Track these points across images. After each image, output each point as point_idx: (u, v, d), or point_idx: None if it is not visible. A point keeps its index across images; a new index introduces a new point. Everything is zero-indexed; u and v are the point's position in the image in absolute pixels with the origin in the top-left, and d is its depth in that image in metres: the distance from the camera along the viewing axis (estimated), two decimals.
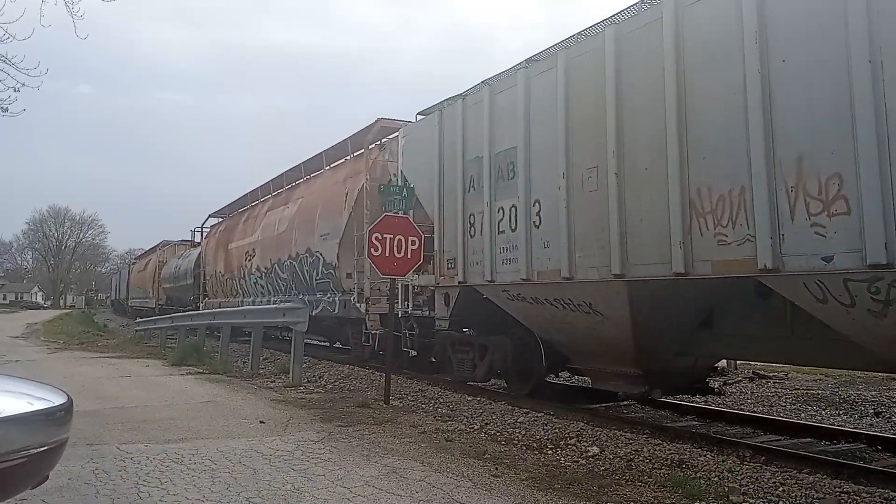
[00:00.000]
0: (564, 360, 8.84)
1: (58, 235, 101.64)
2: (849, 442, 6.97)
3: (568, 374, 10.60)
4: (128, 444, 6.23)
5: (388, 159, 13.30)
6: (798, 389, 10.74)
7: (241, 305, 18.77)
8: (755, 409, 9.10)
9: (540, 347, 8.87)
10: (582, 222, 7.42)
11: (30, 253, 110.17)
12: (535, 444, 6.56)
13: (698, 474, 5.42)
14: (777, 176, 5.47)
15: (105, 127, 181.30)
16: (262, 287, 18.86)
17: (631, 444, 6.46)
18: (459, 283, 9.57)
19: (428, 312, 10.97)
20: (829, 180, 5.11)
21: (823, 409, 9.06)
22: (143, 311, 35.99)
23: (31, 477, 2.66)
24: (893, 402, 9.52)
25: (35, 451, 2.54)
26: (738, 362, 12.06)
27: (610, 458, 5.97)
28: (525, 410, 8.22)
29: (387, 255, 9.03)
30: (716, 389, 8.76)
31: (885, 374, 10.29)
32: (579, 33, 8.11)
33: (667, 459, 5.84)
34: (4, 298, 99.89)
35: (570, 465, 5.80)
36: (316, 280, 15.21)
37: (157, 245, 38.63)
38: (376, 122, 13.60)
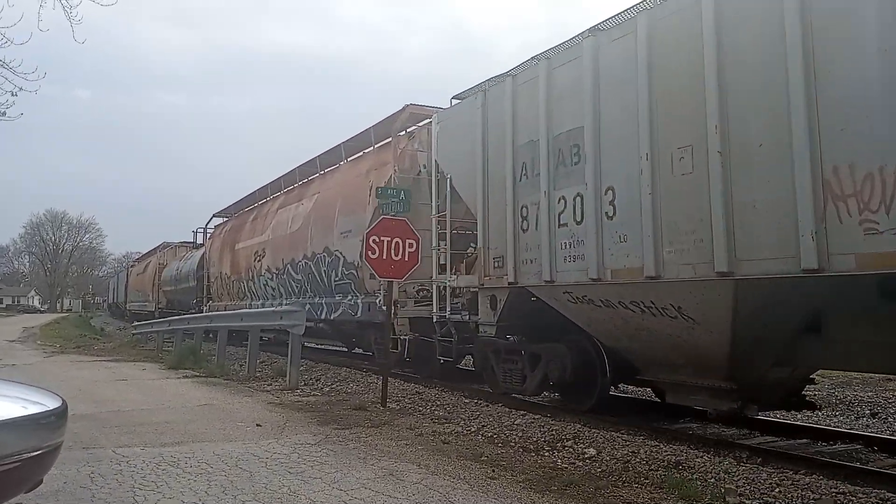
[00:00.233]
0: (632, 371, 7.78)
1: (55, 239, 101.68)
2: (845, 443, 6.97)
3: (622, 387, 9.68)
4: (124, 447, 6.22)
5: (417, 149, 12.38)
6: None
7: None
8: None
9: (603, 356, 7.92)
10: (672, 211, 6.34)
11: (27, 257, 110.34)
12: (531, 447, 6.55)
13: (695, 476, 5.42)
14: None
15: (103, 130, 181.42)
16: (273, 289, 17.90)
17: (628, 445, 6.46)
18: (509, 284, 8.54)
19: (468, 317, 9.87)
20: None
21: (820, 410, 9.07)
22: (142, 314, 35.14)
23: (25, 481, 2.66)
24: (889, 402, 9.53)
25: (29, 455, 2.53)
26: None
27: (607, 460, 5.97)
28: (522, 413, 8.22)
29: (384, 257, 9.04)
30: (815, 404, 7.57)
31: (881, 375, 10.31)
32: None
33: (664, 461, 5.84)
34: (1, 302, 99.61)
35: (566, 467, 5.80)
36: (335, 281, 14.25)
37: (158, 247, 37.85)
38: (405, 108, 12.59)
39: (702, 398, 6.80)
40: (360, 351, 16.17)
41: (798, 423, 8.10)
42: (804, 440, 7.16)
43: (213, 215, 26.57)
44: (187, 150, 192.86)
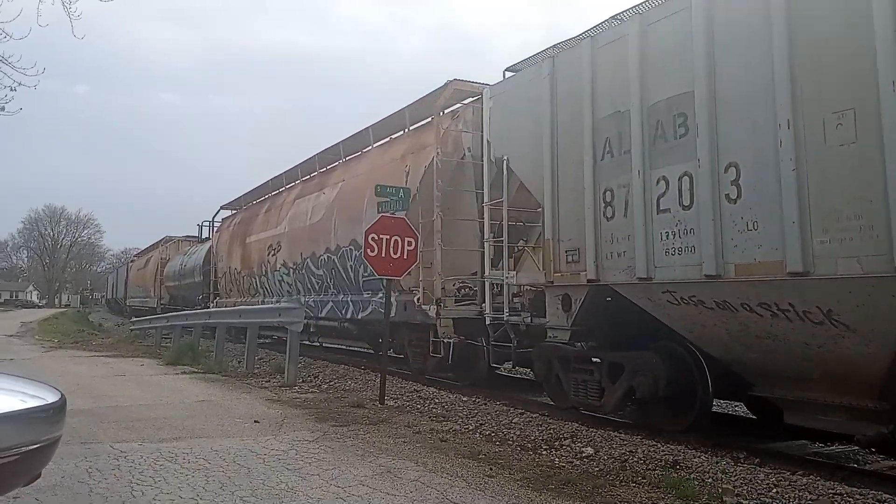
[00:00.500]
0: (741, 384, 6.72)
1: (53, 235, 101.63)
2: (842, 444, 6.97)
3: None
4: (122, 442, 6.22)
5: (461, 129, 11.17)
6: None
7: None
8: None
9: (703, 367, 6.81)
10: (826, 192, 5.17)
11: (25, 252, 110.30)
12: (529, 445, 6.56)
13: (692, 475, 5.42)
14: None
15: (102, 127, 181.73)
16: (290, 285, 16.58)
17: (625, 444, 6.46)
18: (588, 281, 7.38)
19: (530, 320, 8.66)
20: None
21: None
22: (142, 311, 33.60)
23: (23, 475, 2.66)
24: None
25: (27, 448, 2.54)
26: None
27: (604, 459, 5.97)
28: (520, 411, 8.22)
29: (383, 255, 9.04)
30: None
31: None
32: None
33: (661, 460, 5.85)
34: None
35: (564, 466, 5.80)
36: (363, 277, 12.86)
37: (160, 241, 36.91)
38: (448, 83, 11.22)
39: (837, 419, 5.72)
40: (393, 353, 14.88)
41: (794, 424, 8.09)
42: (802, 441, 7.16)
43: (221, 207, 25.13)
44: (186, 150, 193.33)
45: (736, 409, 8.79)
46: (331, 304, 14.15)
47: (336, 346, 16.05)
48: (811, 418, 6.01)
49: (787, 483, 5.23)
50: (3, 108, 11.46)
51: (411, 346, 12.01)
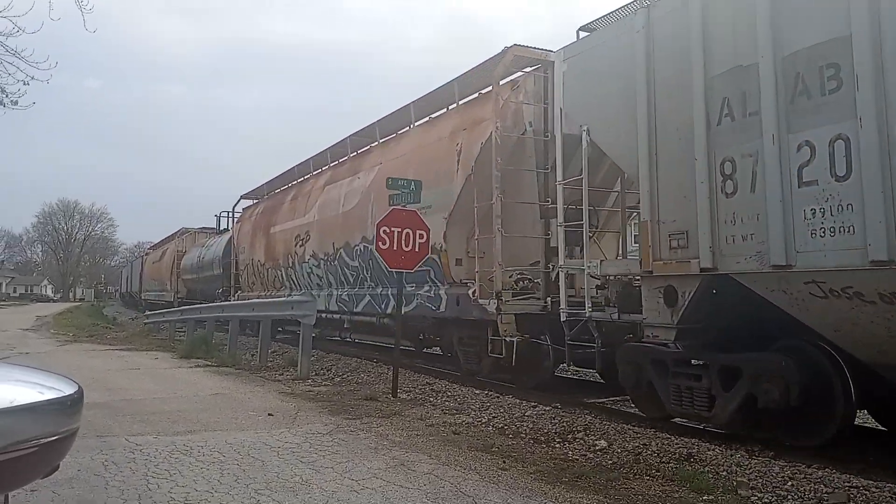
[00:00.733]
0: (891, 392, 5.83)
1: (67, 229, 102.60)
2: (858, 436, 6.92)
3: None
4: (137, 435, 6.27)
5: (521, 101, 10.06)
6: None
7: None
8: None
9: (844, 373, 5.75)
10: None
11: (39, 246, 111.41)
12: (542, 438, 6.55)
13: (706, 468, 5.41)
14: None
15: (115, 120, 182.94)
16: (321, 278, 15.66)
17: (639, 437, 6.45)
18: (702, 270, 6.27)
19: (617, 316, 7.58)
20: None
21: None
22: (158, 305, 32.38)
23: (42, 466, 2.67)
24: None
25: (46, 440, 2.55)
26: None
27: (618, 452, 5.96)
28: (532, 404, 8.21)
29: (395, 248, 9.05)
30: None
31: None
32: None
33: (675, 453, 5.83)
34: (15, 291, 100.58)
35: (577, 459, 5.80)
36: None
37: (176, 233, 35.66)
38: (507, 49, 9.99)
39: None
40: (438, 351, 13.41)
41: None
42: None
43: (241, 197, 24.07)
44: (197, 144, 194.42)
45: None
46: (368, 297, 13.25)
47: (372, 343, 14.71)
48: None
49: (802, 476, 5.19)
50: (16, 103, 11.55)
51: (462, 344, 10.89)
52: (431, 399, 8.90)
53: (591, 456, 5.91)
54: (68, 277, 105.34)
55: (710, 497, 4.72)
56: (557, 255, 8.86)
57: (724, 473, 5.28)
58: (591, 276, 8.03)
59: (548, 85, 9.85)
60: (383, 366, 12.00)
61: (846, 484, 5.02)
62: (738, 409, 6.30)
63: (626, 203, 9.05)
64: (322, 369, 12.14)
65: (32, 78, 11.07)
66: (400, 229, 9.09)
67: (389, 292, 12.09)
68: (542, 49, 9.88)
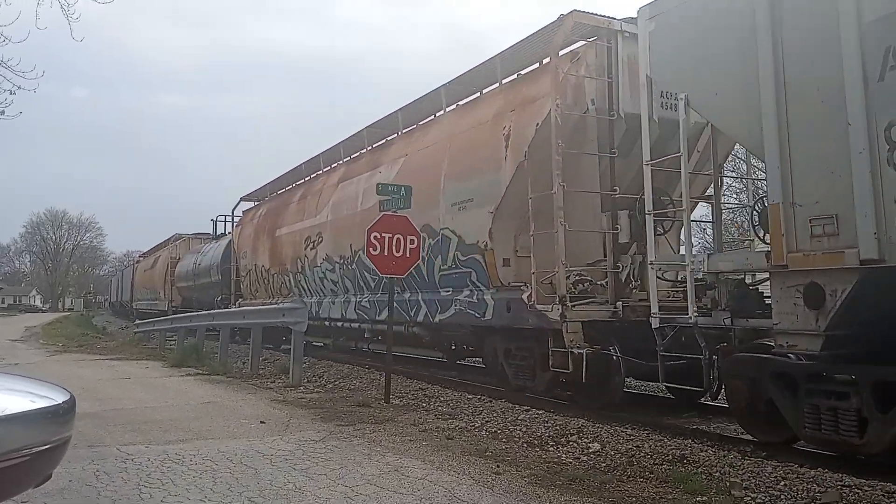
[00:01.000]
0: None
1: (55, 238, 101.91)
2: None
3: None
4: (128, 445, 6.23)
5: (583, 75, 8.78)
6: None
7: None
8: None
9: None
10: None
11: (27, 256, 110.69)
12: (536, 442, 6.55)
13: (700, 469, 5.42)
14: None
15: (102, 129, 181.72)
16: (335, 283, 14.32)
17: (632, 440, 6.46)
18: (861, 262, 5.04)
19: (730, 321, 6.43)
20: None
21: None
22: (151, 314, 30.66)
23: (34, 476, 2.66)
24: None
25: (38, 449, 2.54)
26: None
27: (611, 455, 5.97)
28: (525, 408, 8.21)
29: (385, 254, 9.04)
30: None
31: None
32: None
33: (668, 455, 5.84)
34: (3, 302, 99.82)
35: (571, 462, 5.80)
36: (442, 270, 10.60)
37: (168, 239, 34.62)
38: (565, 17, 8.63)
39: None
40: (473, 362, 12.04)
41: None
42: None
43: (241, 199, 22.60)
44: (187, 153, 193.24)
45: None
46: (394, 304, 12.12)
47: (403, 354, 12.60)
48: None
49: (794, 475, 5.21)
50: (2, 113, 11.50)
51: (511, 357, 9.52)
52: (424, 404, 8.89)
53: (585, 459, 5.91)
54: (57, 287, 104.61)
55: (704, 498, 4.73)
56: (626, 252, 8.12)
57: (718, 474, 5.30)
58: (689, 276, 6.87)
59: (611, 57, 8.77)
60: (375, 372, 11.96)
61: (839, 483, 5.05)
62: None
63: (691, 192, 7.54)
64: (314, 376, 12.10)
65: (19, 87, 11.04)
66: (391, 235, 9.08)
67: (420, 298, 11.12)
68: (605, 16, 8.76)
